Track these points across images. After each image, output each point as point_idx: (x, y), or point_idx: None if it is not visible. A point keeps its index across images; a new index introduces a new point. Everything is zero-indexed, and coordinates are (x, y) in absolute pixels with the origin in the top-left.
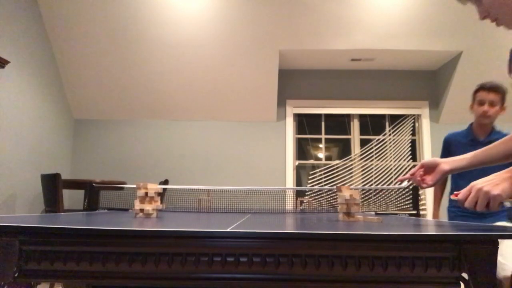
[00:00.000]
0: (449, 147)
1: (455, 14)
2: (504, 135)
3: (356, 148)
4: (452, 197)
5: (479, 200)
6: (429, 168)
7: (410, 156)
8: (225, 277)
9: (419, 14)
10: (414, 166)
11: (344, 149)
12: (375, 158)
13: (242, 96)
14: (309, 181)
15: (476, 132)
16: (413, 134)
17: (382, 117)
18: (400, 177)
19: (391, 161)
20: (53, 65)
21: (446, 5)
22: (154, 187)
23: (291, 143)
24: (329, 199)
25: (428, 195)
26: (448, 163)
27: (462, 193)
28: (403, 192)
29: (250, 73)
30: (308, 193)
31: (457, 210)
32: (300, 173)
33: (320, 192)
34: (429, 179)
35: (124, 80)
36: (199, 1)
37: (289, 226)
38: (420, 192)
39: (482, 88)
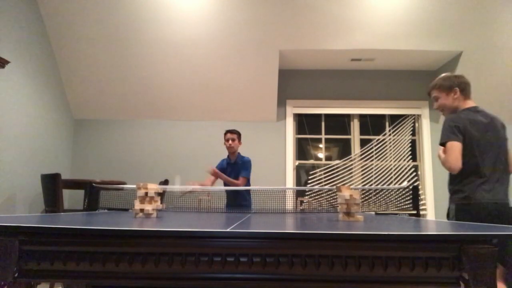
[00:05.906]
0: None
1: (455, 14)
2: (244, 158)
3: (356, 148)
4: None
5: None
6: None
7: (410, 156)
8: (225, 277)
9: (419, 14)
10: (414, 166)
11: (344, 149)
12: (375, 158)
13: (242, 96)
14: (309, 181)
15: (229, 157)
16: (413, 134)
17: (382, 117)
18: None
19: (391, 161)
20: (53, 65)
21: (446, 5)
22: (154, 187)
23: (291, 143)
24: (329, 199)
25: (428, 195)
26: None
27: None
28: (403, 192)
29: (250, 73)
30: (308, 193)
31: None
32: (300, 173)
33: (320, 192)
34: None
35: (124, 80)
36: (199, 1)
37: (289, 226)
38: (420, 192)
39: (227, 132)
